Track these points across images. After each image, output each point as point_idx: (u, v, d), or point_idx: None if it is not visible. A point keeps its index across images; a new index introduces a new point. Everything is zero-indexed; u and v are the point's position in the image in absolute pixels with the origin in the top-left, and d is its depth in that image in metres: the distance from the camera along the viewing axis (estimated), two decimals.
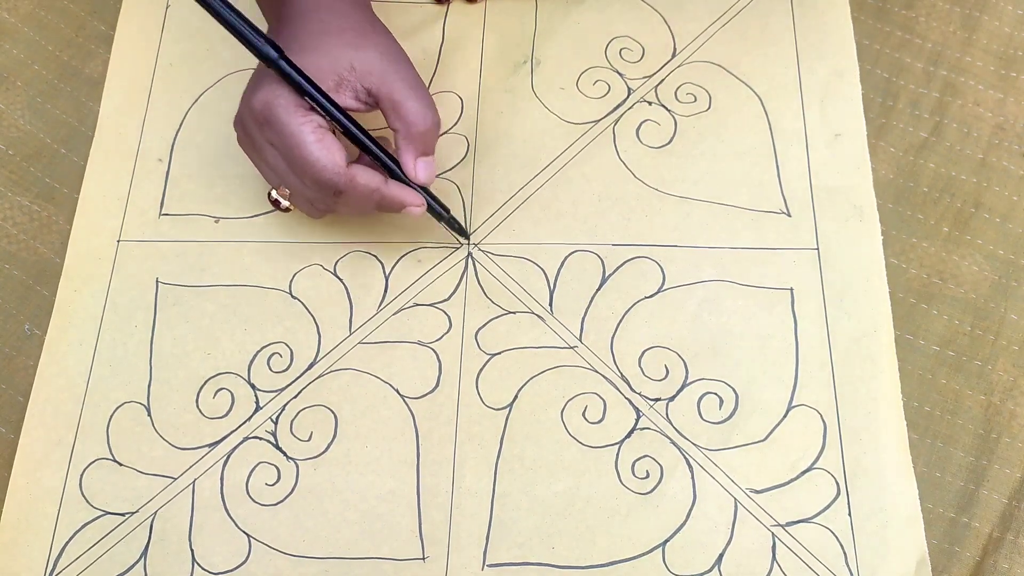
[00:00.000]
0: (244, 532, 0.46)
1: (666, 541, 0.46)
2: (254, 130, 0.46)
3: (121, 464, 0.48)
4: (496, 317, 0.51)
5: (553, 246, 0.52)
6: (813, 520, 0.46)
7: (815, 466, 0.47)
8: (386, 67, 0.45)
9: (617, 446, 0.48)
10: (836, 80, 0.56)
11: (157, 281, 0.52)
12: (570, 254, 0.52)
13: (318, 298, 0.51)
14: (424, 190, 0.48)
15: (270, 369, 0.50)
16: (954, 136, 0.55)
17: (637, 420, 0.48)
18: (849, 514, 0.46)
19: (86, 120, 0.56)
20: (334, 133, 0.45)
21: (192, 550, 0.46)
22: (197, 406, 0.49)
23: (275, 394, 0.49)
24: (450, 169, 0.54)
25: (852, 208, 0.53)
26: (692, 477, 0.47)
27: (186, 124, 0.56)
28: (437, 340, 0.50)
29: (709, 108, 0.56)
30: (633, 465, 0.47)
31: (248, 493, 0.47)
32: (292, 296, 0.51)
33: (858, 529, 0.46)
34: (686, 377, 0.49)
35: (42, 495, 0.47)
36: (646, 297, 0.51)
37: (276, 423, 0.49)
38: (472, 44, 0.58)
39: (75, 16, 0.59)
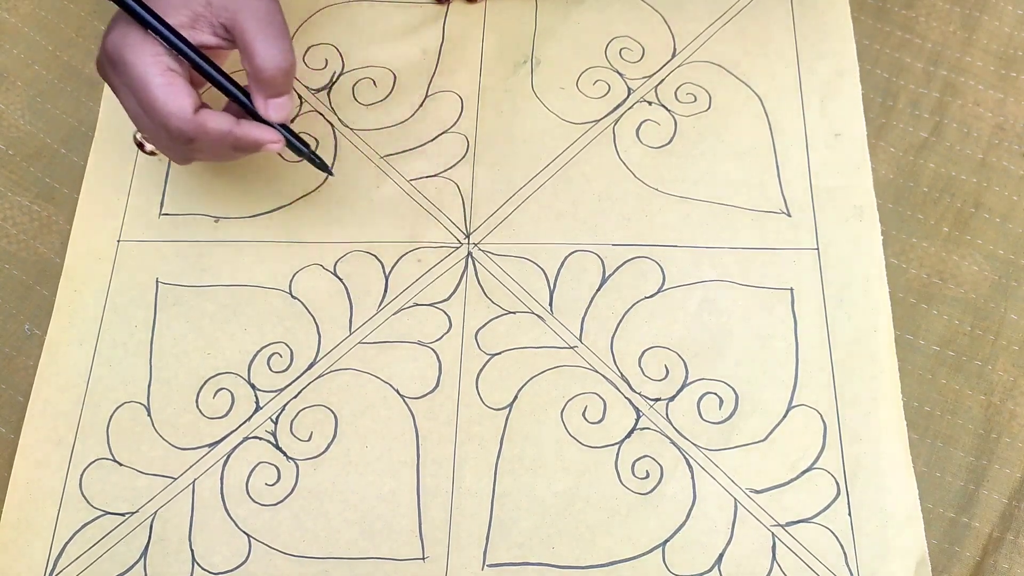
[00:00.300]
0: (244, 532, 0.46)
1: (666, 541, 0.46)
2: (109, 72, 0.43)
3: (121, 464, 0.48)
4: (496, 317, 0.51)
5: (553, 246, 0.52)
6: (813, 520, 0.46)
7: (815, 466, 0.47)
8: (240, 2, 0.42)
9: (617, 446, 0.48)
10: (836, 80, 0.56)
11: (157, 281, 0.52)
12: (570, 254, 0.52)
13: (318, 298, 0.51)
14: (283, 126, 0.45)
15: (270, 369, 0.50)
16: (954, 136, 0.55)
17: (637, 420, 0.48)
18: (849, 514, 0.46)
19: (86, 120, 0.56)
20: (192, 75, 0.43)
21: (192, 550, 0.46)
22: (197, 406, 0.49)
23: (275, 394, 0.49)
24: (450, 169, 0.54)
25: (852, 208, 0.53)
26: (692, 477, 0.47)
27: None
28: (437, 340, 0.50)
29: (709, 108, 0.55)
30: (633, 465, 0.47)
31: (248, 493, 0.47)
32: (292, 296, 0.51)
33: (858, 529, 0.46)
34: (686, 377, 0.49)
35: (42, 495, 0.47)
36: (646, 297, 0.51)
37: (276, 423, 0.48)
38: (472, 44, 0.58)
39: (75, 16, 0.59)
